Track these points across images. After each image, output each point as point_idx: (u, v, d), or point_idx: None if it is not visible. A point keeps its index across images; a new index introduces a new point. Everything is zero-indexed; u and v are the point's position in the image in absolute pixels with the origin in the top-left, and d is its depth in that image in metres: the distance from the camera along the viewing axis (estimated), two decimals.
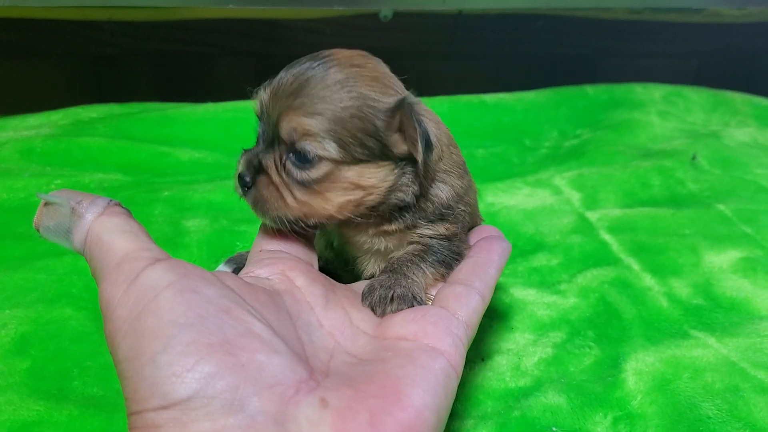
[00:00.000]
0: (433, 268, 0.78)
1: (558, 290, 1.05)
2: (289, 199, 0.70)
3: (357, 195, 0.72)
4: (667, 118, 1.77)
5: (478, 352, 0.91)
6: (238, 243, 1.13)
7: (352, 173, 0.70)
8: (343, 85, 0.69)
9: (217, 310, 0.55)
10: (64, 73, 1.92)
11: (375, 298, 0.72)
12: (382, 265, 0.80)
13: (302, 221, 0.72)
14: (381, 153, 0.71)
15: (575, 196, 1.36)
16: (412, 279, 0.75)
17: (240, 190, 0.74)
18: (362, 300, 0.72)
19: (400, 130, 0.71)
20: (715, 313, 1.02)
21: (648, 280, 1.09)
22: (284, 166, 0.70)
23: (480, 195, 1.26)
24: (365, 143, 0.70)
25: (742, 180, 1.48)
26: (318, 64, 0.70)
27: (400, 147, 0.72)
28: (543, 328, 0.98)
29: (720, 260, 1.14)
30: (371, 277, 0.81)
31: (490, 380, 0.88)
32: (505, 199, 1.33)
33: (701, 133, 1.71)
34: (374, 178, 0.72)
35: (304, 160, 0.69)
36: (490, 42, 2.09)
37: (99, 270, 0.57)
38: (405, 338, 0.65)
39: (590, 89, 1.87)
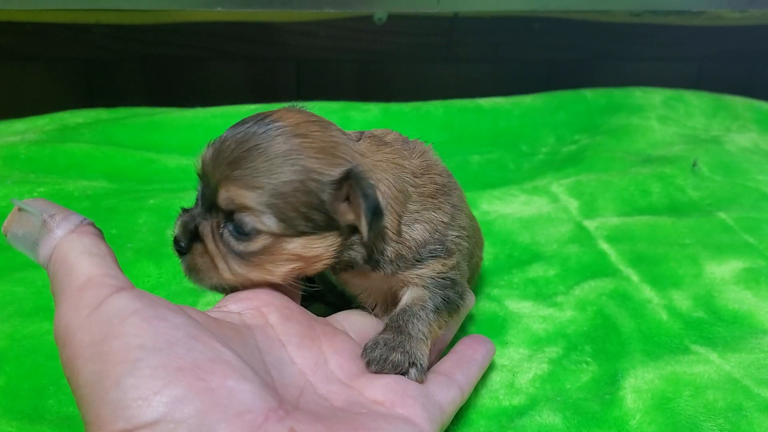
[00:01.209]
0: (436, 315, 0.75)
1: (554, 303, 1.02)
2: (225, 272, 0.69)
3: (301, 264, 0.70)
4: (667, 123, 1.74)
5: None
6: None
7: (294, 245, 0.68)
8: (286, 158, 0.66)
9: (186, 336, 0.54)
10: (54, 77, 1.90)
11: (375, 355, 0.69)
12: (386, 301, 0.80)
13: (235, 289, 0.70)
14: (327, 224, 0.69)
15: (573, 204, 1.33)
16: (416, 339, 0.72)
17: (175, 251, 0.72)
18: (362, 352, 0.70)
19: (347, 199, 0.69)
20: (717, 327, 0.99)
21: (647, 292, 1.05)
22: (221, 236, 0.68)
23: (475, 203, 1.24)
24: (309, 216, 0.68)
25: (744, 187, 1.45)
26: (263, 131, 0.67)
27: (347, 217, 0.70)
28: (539, 343, 0.95)
29: (721, 271, 1.11)
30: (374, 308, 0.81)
31: (483, 398, 0.84)
32: (501, 207, 1.30)
33: (702, 139, 1.68)
34: (319, 249, 0.70)
35: (242, 232, 0.67)
36: (487, 45, 2.07)
37: (59, 291, 0.56)
38: (381, 404, 0.65)
39: (588, 93, 1.84)
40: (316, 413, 0.58)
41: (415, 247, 0.75)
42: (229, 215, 0.67)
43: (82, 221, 0.59)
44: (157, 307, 0.55)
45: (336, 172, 0.68)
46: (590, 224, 1.26)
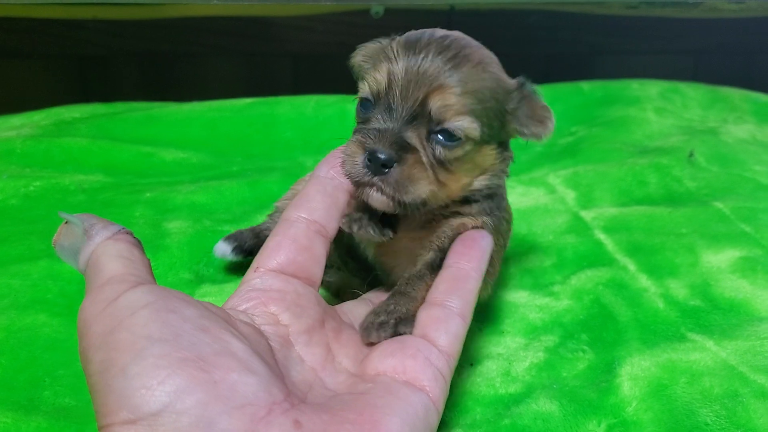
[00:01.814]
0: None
1: (551, 292, 1.02)
2: (433, 179, 0.69)
3: (475, 175, 0.73)
4: (663, 114, 1.74)
5: (467, 357, 0.88)
6: None
7: (479, 154, 0.72)
8: (485, 66, 0.70)
9: (194, 329, 0.54)
10: (50, 73, 1.89)
11: (364, 324, 0.71)
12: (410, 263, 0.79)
13: (426, 204, 0.70)
14: (497, 134, 0.73)
15: (570, 195, 1.33)
16: (410, 297, 0.73)
17: (366, 171, 0.68)
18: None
19: (516, 115, 0.73)
20: (713, 315, 0.99)
21: (644, 281, 1.05)
22: (429, 145, 0.69)
23: None
24: (492, 124, 0.71)
25: (741, 177, 1.45)
26: (451, 41, 0.70)
27: (512, 131, 0.74)
28: (535, 332, 0.95)
29: (718, 260, 1.11)
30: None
31: (479, 386, 0.84)
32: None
33: (698, 130, 1.68)
34: (490, 159, 0.74)
35: (452, 138, 0.68)
36: (485, 39, 2.03)
37: (87, 290, 0.57)
38: (384, 374, 0.65)
39: (585, 86, 1.84)
40: (322, 404, 0.59)
41: (499, 198, 0.81)
42: (438, 124, 0.68)
43: (120, 230, 0.61)
44: (171, 300, 0.55)
45: (513, 82, 0.73)
46: (587, 215, 1.25)
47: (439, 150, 0.68)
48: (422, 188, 0.68)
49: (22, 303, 0.93)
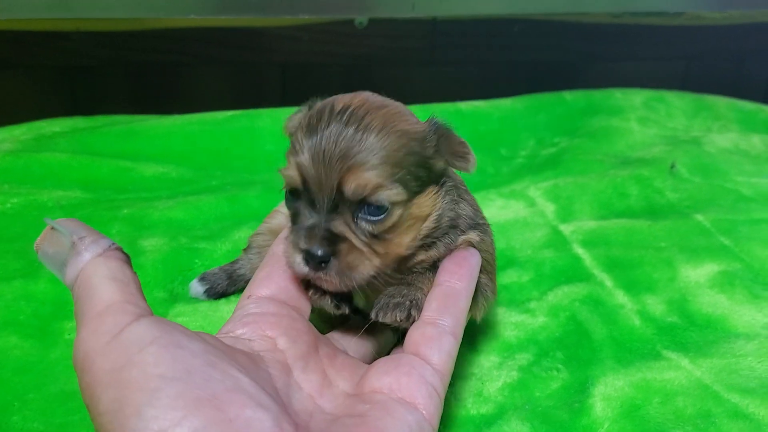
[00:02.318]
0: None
1: (527, 309, 1.02)
2: (373, 257, 0.69)
3: (418, 227, 0.73)
4: (647, 124, 1.73)
5: None
6: (196, 261, 1.10)
7: (414, 208, 0.71)
8: (387, 129, 0.68)
9: (204, 364, 0.54)
10: (36, 85, 1.88)
11: (378, 305, 0.72)
12: None
13: (379, 275, 0.71)
14: (427, 180, 0.72)
15: (549, 208, 1.32)
16: (417, 287, 0.75)
17: (306, 268, 0.69)
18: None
19: (437, 151, 0.72)
20: (690, 332, 0.99)
21: (621, 297, 1.05)
22: (357, 226, 0.69)
23: None
24: (418, 175, 0.70)
25: (722, 188, 1.44)
26: (350, 113, 0.69)
27: (438, 166, 0.73)
28: (509, 350, 0.94)
29: (696, 274, 1.11)
30: None
31: (451, 407, 0.84)
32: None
33: (682, 140, 1.67)
34: (428, 206, 0.73)
35: (377, 212, 0.68)
36: (470, 48, 2.06)
37: (80, 315, 0.56)
38: (380, 391, 0.64)
39: (568, 95, 1.83)
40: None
41: (467, 217, 0.79)
42: (360, 203, 0.68)
43: (110, 246, 0.59)
44: (175, 335, 0.55)
45: (423, 127, 0.72)
46: (566, 228, 1.25)
47: (370, 227, 0.69)
48: (364, 269, 0.69)
49: None
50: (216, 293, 1.02)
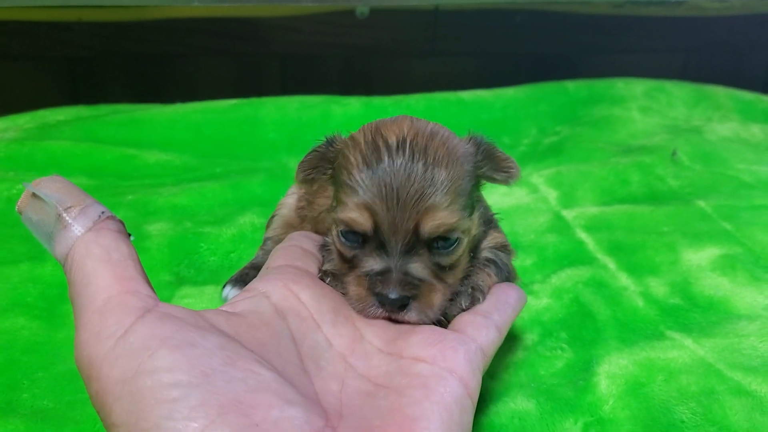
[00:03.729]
0: (496, 270, 0.79)
1: (531, 291, 1.02)
2: (446, 290, 0.70)
3: (467, 249, 0.73)
4: (648, 113, 1.74)
5: None
6: (202, 244, 1.11)
7: (471, 232, 0.72)
8: (449, 159, 0.68)
9: (222, 364, 0.51)
10: (38, 76, 1.89)
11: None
12: None
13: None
14: (477, 197, 0.74)
15: (552, 195, 1.33)
16: (477, 276, 0.75)
17: (386, 311, 0.68)
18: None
19: (481, 168, 0.73)
20: (693, 313, 0.99)
21: (624, 280, 1.06)
22: (433, 264, 0.69)
23: None
24: (472, 195, 0.72)
25: (723, 175, 1.45)
26: (411, 151, 0.67)
27: (481, 183, 0.75)
28: (514, 331, 0.95)
29: (698, 258, 1.11)
30: None
31: None
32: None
33: (683, 129, 1.68)
34: (477, 225, 0.74)
35: (448, 246, 0.68)
36: (471, 39, 2.07)
37: (78, 307, 0.52)
38: (423, 360, 0.62)
39: (570, 85, 1.84)
40: (360, 417, 0.56)
41: (485, 218, 0.80)
42: (433, 240, 0.67)
43: (100, 215, 0.55)
44: (186, 330, 0.51)
45: (470, 146, 0.72)
46: (568, 214, 1.26)
47: (442, 259, 0.69)
48: (441, 304, 0.69)
49: (1, 306, 0.93)
50: None
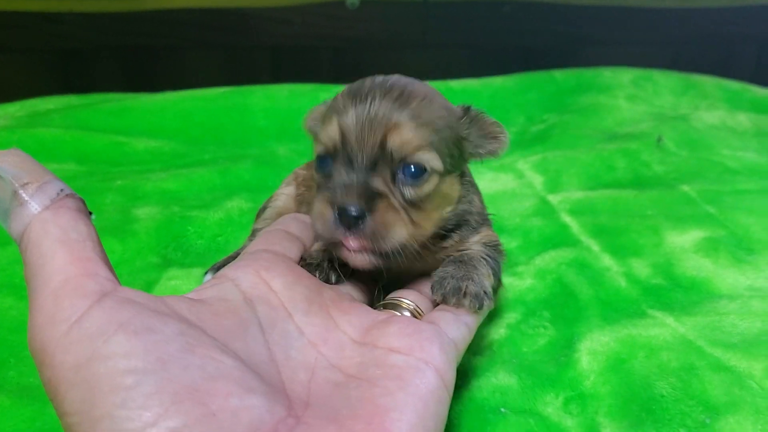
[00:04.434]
0: (491, 270, 0.77)
1: (515, 272, 1.03)
2: (408, 221, 0.67)
3: (444, 208, 0.72)
4: (635, 101, 1.76)
5: None
6: (189, 228, 1.11)
7: (446, 185, 0.71)
8: (431, 99, 0.69)
9: (180, 350, 0.48)
10: (31, 67, 1.89)
11: (448, 288, 0.70)
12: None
13: (404, 250, 0.67)
14: (458, 162, 0.73)
15: (538, 180, 1.34)
16: (481, 272, 0.74)
17: (343, 228, 0.65)
18: (432, 291, 0.71)
19: (469, 132, 0.73)
20: (675, 293, 1.00)
21: (607, 261, 1.07)
22: (396, 187, 0.67)
23: None
24: (452, 153, 0.70)
25: (709, 161, 1.46)
26: (398, 80, 0.70)
27: (467, 152, 0.74)
28: (497, 310, 0.95)
29: (682, 240, 1.12)
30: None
31: None
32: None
33: (669, 116, 1.70)
34: (456, 189, 0.73)
35: (417, 175, 0.67)
36: (462, 31, 2.07)
37: (32, 289, 0.50)
38: (398, 351, 0.60)
39: (558, 74, 1.85)
40: (328, 407, 0.54)
41: (478, 213, 0.80)
42: (401, 162, 0.67)
43: (59, 192, 0.52)
44: (145, 316, 0.49)
45: (459, 109, 0.74)
46: (554, 198, 1.27)
47: (407, 190, 0.67)
48: (399, 232, 0.66)
49: None
50: None
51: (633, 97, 1.77)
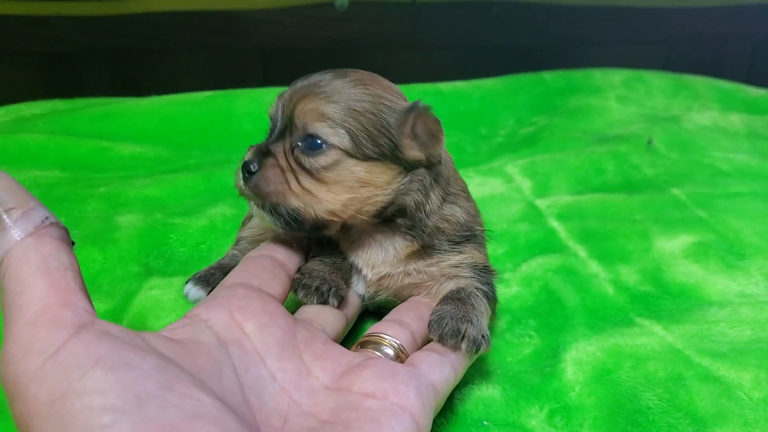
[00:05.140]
0: (487, 300, 0.79)
1: (501, 279, 1.01)
2: (294, 185, 0.71)
3: (362, 193, 0.72)
4: (625, 103, 1.75)
5: None
6: (172, 236, 1.09)
7: (360, 169, 0.71)
8: (359, 84, 0.72)
9: (158, 387, 0.47)
10: (18, 72, 1.88)
11: (446, 329, 0.70)
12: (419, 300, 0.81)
13: (301, 216, 0.71)
14: (392, 154, 0.73)
15: (526, 184, 1.33)
16: (479, 311, 0.75)
17: (241, 180, 0.73)
18: (429, 331, 0.71)
19: (413, 135, 0.73)
20: (663, 300, 0.99)
21: (594, 267, 1.05)
22: (293, 152, 0.71)
23: None
24: (377, 141, 0.71)
25: (700, 163, 1.45)
26: (333, 72, 0.74)
27: (410, 152, 0.74)
28: None
29: (671, 245, 1.11)
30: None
31: None
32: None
33: (660, 118, 1.69)
34: (381, 179, 0.73)
35: (315, 146, 0.70)
36: (453, 32, 2.06)
37: (7, 315, 0.48)
38: (373, 396, 0.60)
39: (548, 75, 1.85)
40: None
41: (456, 225, 0.80)
42: (303, 132, 0.71)
43: (44, 220, 0.51)
44: (123, 351, 0.48)
45: (403, 104, 0.74)
46: (541, 203, 1.26)
47: (304, 159, 0.71)
48: (276, 192, 0.71)
49: None
50: None
51: (624, 99, 1.76)
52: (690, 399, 0.78)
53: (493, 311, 0.82)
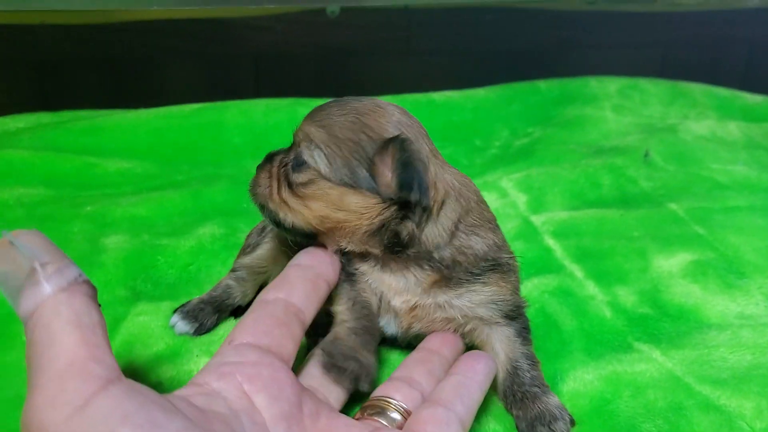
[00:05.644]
0: (527, 345, 0.81)
1: None
2: (275, 193, 0.76)
3: (338, 216, 0.73)
4: (622, 112, 1.73)
5: None
6: (159, 258, 1.07)
7: (334, 192, 0.73)
8: (351, 113, 0.74)
9: None
10: (5, 81, 1.85)
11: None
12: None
13: (279, 220, 0.77)
14: (368, 184, 0.72)
15: (521, 199, 1.31)
16: (543, 395, 0.77)
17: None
18: None
19: (392, 167, 0.71)
20: (662, 323, 0.97)
21: (591, 289, 1.03)
22: (285, 165, 0.76)
23: None
24: (353, 168, 0.72)
25: (698, 176, 1.44)
26: (346, 99, 0.77)
27: (386, 187, 0.71)
28: None
29: (669, 264, 1.09)
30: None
31: None
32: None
33: (657, 128, 1.67)
34: (356, 206, 0.72)
35: (299, 163, 0.74)
36: (446, 38, 2.05)
37: (35, 368, 0.49)
38: None
39: (543, 84, 1.82)
40: None
41: (473, 258, 0.77)
42: (296, 150, 0.76)
43: (76, 278, 0.52)
44: (150, 410, 0.48)
45: (387, 134, 0.72)
46: (537, 219, 1.24)
47: (290, 173, 0.75)
48: (261, 194, 0.78)
49: None
50: (206, 330, 0.93)
51: (620, 108, 1.74)
52: (690, 429, 0.77)
53: (530, 342, 0.82)
